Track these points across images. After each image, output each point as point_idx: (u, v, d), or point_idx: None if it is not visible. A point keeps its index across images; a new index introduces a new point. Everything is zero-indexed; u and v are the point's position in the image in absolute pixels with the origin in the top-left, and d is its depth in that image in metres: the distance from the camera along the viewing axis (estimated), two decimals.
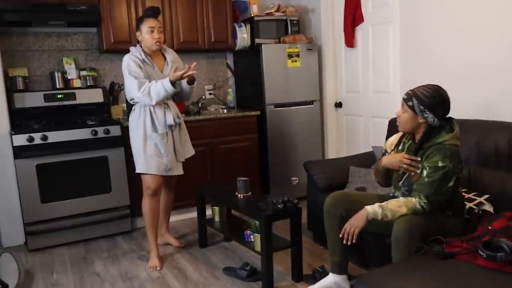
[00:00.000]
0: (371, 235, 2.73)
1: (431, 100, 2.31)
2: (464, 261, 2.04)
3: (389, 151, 2.65)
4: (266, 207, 2.91)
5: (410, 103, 2.35)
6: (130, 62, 3.15)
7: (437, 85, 2.38)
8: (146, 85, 3.10)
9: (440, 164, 2.28)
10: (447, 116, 2.40)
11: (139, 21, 3.25)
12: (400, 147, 2.58)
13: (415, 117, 2.36)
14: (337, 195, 2.68)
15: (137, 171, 3.30)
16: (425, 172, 2.33)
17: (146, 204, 3.35)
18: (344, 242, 2.40)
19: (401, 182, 2.52)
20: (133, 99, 3.21)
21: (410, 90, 2.40)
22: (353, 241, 2.37)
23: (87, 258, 3.57)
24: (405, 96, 2.39)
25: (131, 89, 3.14)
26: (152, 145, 3.22)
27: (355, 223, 2.37)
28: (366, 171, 3.39)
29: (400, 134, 2.60)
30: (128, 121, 3.38)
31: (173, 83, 3.07)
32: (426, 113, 2.32)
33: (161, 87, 3.07)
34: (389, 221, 2.31)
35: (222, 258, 3.45)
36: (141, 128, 3.22)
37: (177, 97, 3.41)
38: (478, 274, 1.93)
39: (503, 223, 2.32)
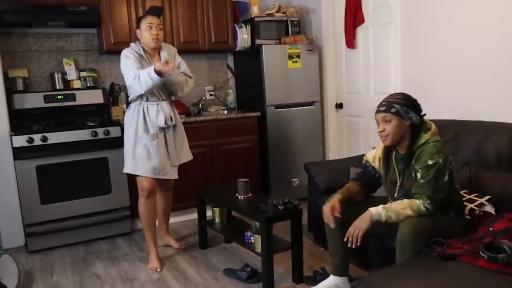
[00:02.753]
0: (372, 237, 2.72)
1: (409, 100, 2.39)
2: (465, 262, 2.02)
3: (373, 164, 2.65)
4: (267, 209, 2.90)
5: (393, 110, 2.36)
6: (128, 54, 3.17)
7: (397, 92, 2.47)
8: (138, 72, 3.08)
9: (430, 162, 2.29)
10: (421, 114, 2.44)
11: (139, 19, 3.28)
12: (390, 168, 2.57)
13: (402, 121, 2.37)
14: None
15: (124, 170, 3.31)
16: (419, 175, 2.33)
17: (141, 205, 3.35)
18: (349, 245, 2.39)
19: (396, 194, 2.52)
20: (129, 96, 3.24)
21: (383, 102, 2.41)
22: (358, 244, 2.36)
23: (87, 259, 3.56)
24: (383, 108, 2.39)
25: (127, 75, 3.14)
26: (142, 146, 3.21)
27: (359, 226, 2.35)
28: None
29: (381, 147, 2.60)
30: None
31: (158, 72, 2.98)
32: (411, 113, 2.36)
33: (147, 74, 3.01)
34: (393, 223, 2.30)
35: (223, 259, 3.44)
36: (133, 128, 3.23)
37: (167, 89, 3.33)
38: (479, 275, 1.92)
39: (504, 224, 2.31)
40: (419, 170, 2.32)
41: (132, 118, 3.25)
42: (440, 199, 2.31)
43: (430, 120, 2.49)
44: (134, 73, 3.09)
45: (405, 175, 2.46)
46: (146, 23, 3.18)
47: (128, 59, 3.16)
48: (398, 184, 2.50)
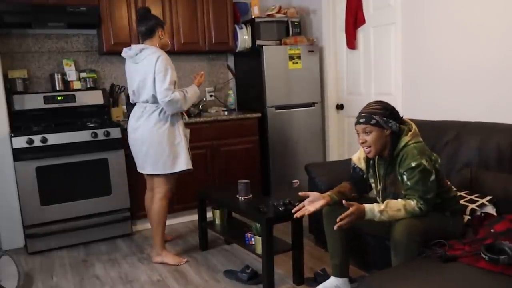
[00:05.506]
0: (372, 238, 2.71)
1: (387, 109, 2.39)
2: (466, 264, 2.01)
3: (360, 166, 2.65)
4: (267, 210, 2.90)
5: (373, 121, 2.36)
6: (168, 67, 3.12)
7: (374, 100, 2.46)
8: (179, 91, 3.17)
9: (413, 164, 2.29)
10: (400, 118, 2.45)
11: (162, 22, 3.30)
12: (371, 171, 2.59)
13: (382, 131, 2.37)
14: None
15: (180, 169, 3.28)
16: (405, 178, 2.33)
17: (166, 206, 3.36)
18: (336, 225, 2.30)
19: (380, 198, 2.53)
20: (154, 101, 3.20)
21: (361, 113, 2.41)
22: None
23: (87, 261, 3.55)
24: (363, 119, 2.39)
25: (168, 88, 3.09)
26: (186, 141, 3.34)
27: (354, 219, 2.27)
28: None
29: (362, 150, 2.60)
30: (138, 122, 3.27)
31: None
32: (390, 122, 2.37)
33: (194, 92, 3.31)
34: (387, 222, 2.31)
35: (223, 261, 3.43)
36: (181, 124, 3.29)
37: None
38: (480, 277, 1.91)
39: (505, 225, 2.30)
40: (405, 173, 2.33)
41: (174, 118, 3.25)
42: (431, 199, 2.32)
43: (431, 121, 2.48)
44: (171, 87, 3.12)
45: (386, 180, 2.48)
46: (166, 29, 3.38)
47: (172, 71, 3.14)
48: (379, 188, 2.52)
